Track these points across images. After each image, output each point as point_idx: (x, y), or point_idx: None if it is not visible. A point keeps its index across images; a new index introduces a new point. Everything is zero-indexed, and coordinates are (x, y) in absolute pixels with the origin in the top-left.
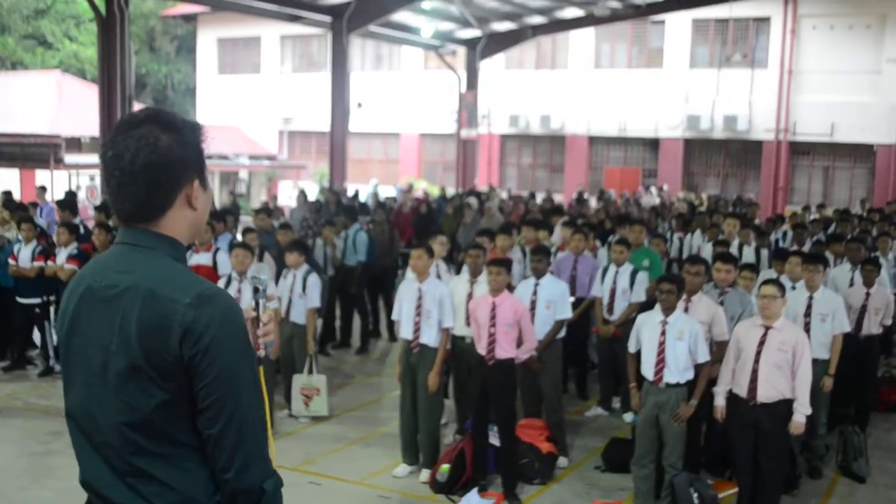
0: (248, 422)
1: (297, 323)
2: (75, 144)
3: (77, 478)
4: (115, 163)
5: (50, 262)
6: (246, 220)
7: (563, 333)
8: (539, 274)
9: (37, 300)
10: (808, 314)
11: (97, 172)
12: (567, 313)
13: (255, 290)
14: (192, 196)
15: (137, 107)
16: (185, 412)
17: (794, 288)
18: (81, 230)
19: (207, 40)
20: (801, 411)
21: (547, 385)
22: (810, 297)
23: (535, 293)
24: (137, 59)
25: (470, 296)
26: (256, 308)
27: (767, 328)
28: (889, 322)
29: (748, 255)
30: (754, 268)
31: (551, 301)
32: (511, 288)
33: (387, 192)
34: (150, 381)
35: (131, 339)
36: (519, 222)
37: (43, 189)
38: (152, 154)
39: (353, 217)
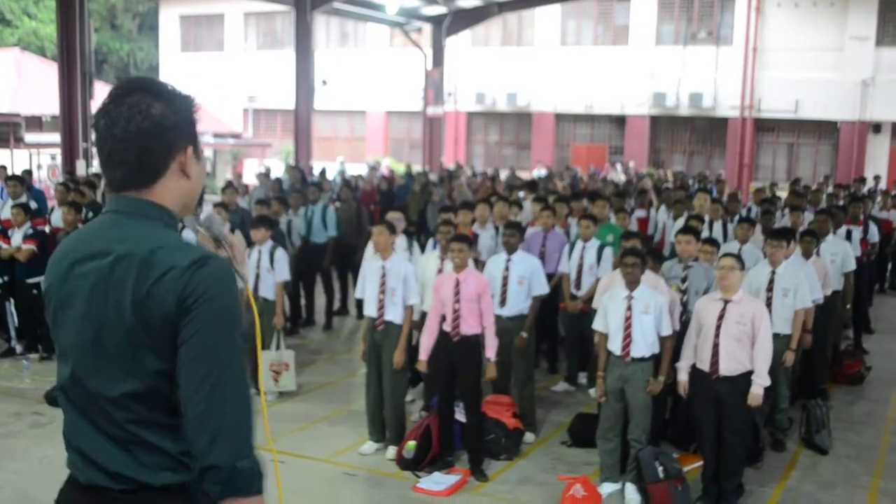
0: (221, 392)
1: (267, 298)
2: (35, 123)
3: (37, 458)
4: (108, 130)
5: (4, 245)
6: (211, 198)
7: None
8: (511, 249)
9: None
10: (770, 289)
11: (58, 151)
12: (544, 289)
13: (215, 240)
14: (187, 164)
15: (98, 85)
16: None
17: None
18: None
19: (170, 17)
20: (759, 383)
21: (518, 358)
22: (773, 272)
23: (507, 269)
24: (98, 37)
25: (440, 272)
26: (219, 242)
27: (726, 301)
28: (829, 292)
29: (717, 230)
30: (715, 242)
31: (524, 277)
32: (480, 263)
33: (355, 169)
34: (146, 349)
35: (126, 308)
36: (483, 199)
37: (3, 168)
38: (145, 121)
39: (307, 195)
